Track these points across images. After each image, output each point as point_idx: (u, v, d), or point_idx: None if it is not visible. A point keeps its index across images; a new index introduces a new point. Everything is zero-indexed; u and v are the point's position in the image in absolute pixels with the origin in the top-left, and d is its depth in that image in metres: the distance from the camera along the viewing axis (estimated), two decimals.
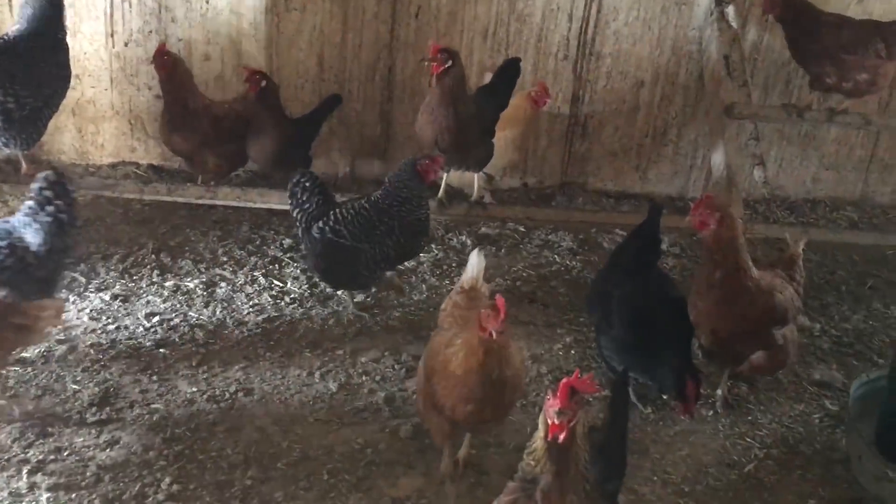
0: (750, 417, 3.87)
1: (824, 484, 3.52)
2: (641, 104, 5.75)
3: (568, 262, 5.08)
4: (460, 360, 3.01)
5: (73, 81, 5.12)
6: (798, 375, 4.23)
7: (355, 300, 4.43)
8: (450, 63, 4.50)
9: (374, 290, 4.50)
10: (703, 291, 3.70)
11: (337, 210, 4.18)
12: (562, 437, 2.35)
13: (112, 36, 5.28)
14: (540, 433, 2.44)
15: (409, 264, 4.79)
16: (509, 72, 4.91)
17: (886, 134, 5.91)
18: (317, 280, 4.46)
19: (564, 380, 2.41)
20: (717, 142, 5.21)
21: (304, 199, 4.23)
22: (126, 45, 5.30)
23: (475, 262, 3.41)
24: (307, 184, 4.24)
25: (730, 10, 5.31)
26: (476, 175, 5.06)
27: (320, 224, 4.15)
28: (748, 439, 3.74)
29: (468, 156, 4.85)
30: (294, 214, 4.27)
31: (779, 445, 3.73)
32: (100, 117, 5.43)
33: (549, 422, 2.38)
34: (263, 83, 4.92)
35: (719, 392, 3.92)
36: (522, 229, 5.33)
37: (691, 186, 5.98)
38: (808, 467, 3.61)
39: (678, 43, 5.57)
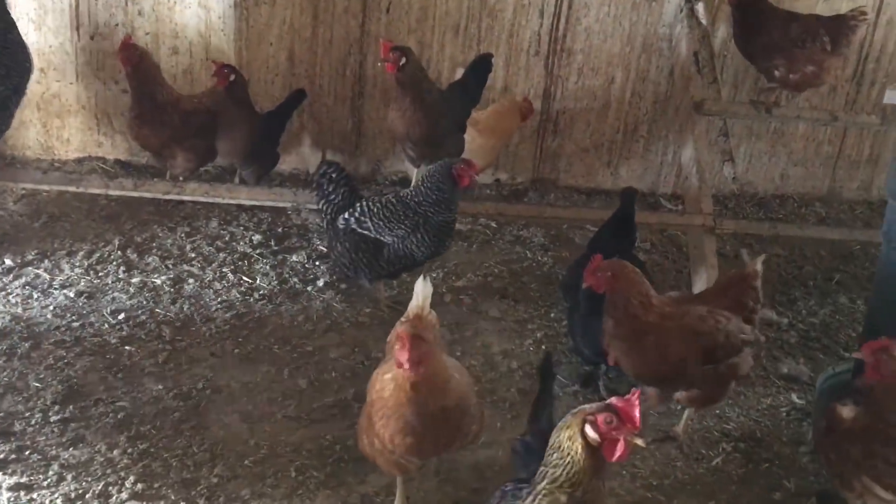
0: (718, 411, 3.89)
1: (791, 476, 3.55)
2: (612, 100, 5.77)
3: (539, 258, 5.09)
4: (392, 392, 2.80)
5: (37, 75, 5.06)
6: (766, 369, 4.26)
7: (386, 295, 4.44)
8: (403, 61, 4.47)
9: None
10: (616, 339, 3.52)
11: (364, 202, 4.18)
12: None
13: (77, 29, 5.19)
14: (577, 449, 2.24)
15: None
16: (481, 67, 4.93)
17: (853, 130, 5.98)
18: (342, 274, 4.42)
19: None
20: (687, 138, 5.25)
21: (331, 190, 4.22)
22: (92, 38, 5.22)
23: (420, 290, 3.15)
24: (333, 175, 4.23)
25: (699, 7, 5.34)
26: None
27: (346, 215, 4.16)
28: (716, 433, 3.76)
29: (440, 150, 4.84)
30: (320, 206, 4.27)
31: (746, 439, 3.76)
32: (65, 112, 5.35)
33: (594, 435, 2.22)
34: (232, 77, 4.87)
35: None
36: (494, 225, 5.33)
37: (662, 182, 6.02)
38: (775, 460, 3.64)
39: (649, 40, 5.60)
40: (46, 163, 5.32)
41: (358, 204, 4.18)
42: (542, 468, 2.31)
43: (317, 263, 4.72)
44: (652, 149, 5.92)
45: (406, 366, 2.68)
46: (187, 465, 3.27)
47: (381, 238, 4.12)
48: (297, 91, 5.29)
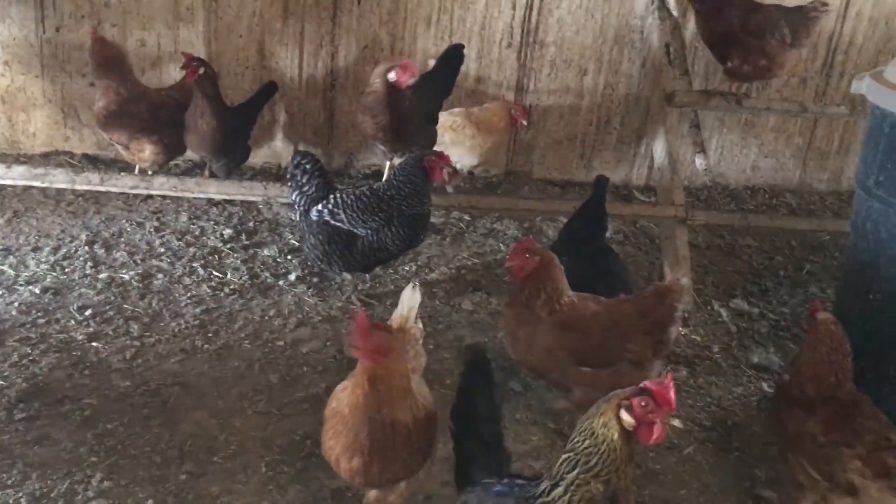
0: (689, 401, 3.90)
1: (761, 464, 3.56)
2: (585, 92, 5.78)
3: None
4: (346, 396, 2.65)
5: (1, 68, 4.98)
6: (737, 359, 4.29)
7: (359, 288, 4.40)
8: (202, 70, 4.57)
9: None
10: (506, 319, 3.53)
11: (337, 194, 4.14)
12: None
13: (43, 21, 5.11)
14: (614, 435, 2.20)
15: None
16: (452, 58, 4.92)
17: (823, 122, 6.04)
18: (316, 266, 4.36)
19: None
20: (659, 130, 5.27)
21: (304, 181, 4.17)
22: (57, 30, 5.14)
23: (406, 299, 3.00)
24: (307, 166, 4.18)
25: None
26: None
27: (319, 207, 4.11)
28: (687, 423, 3.77)
29: (411, 144, 4.82)
30: (293, 197, 4.21)
31: (717, 428, 3.77)
32: (31, 105, 5.27)
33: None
34: (202, 70, 4.81)
35: None
36: (468, 218, 5.32)
37: (635, 174, 6.04)
38: (746, 448, 3.66)
39: (620, 31, 5.61)
40: (12, 157, 5.23)
41: (331, 196, 4.15)
42: (567, 456, 2.25)
43: (288, 257, 4.68)
44: (625, 141, 5.94)
45: (362, 351, 2.51)
46: (156, 461, 3.22)
47: (355, 231, 4.09)
48: (268, 84, 5.25)
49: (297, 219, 4.29)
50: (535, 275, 3.41)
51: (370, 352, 2.52)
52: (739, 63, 4.72)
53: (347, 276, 4.36)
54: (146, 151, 4.90)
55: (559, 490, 2.24)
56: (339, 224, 4.10)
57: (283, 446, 3.38)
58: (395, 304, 3.16)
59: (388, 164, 5.03)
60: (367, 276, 4.46)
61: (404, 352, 2.75)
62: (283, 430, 3.46)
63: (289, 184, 4.26)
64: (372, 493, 2.86)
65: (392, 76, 4.51)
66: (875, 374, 3.38)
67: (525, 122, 5.34)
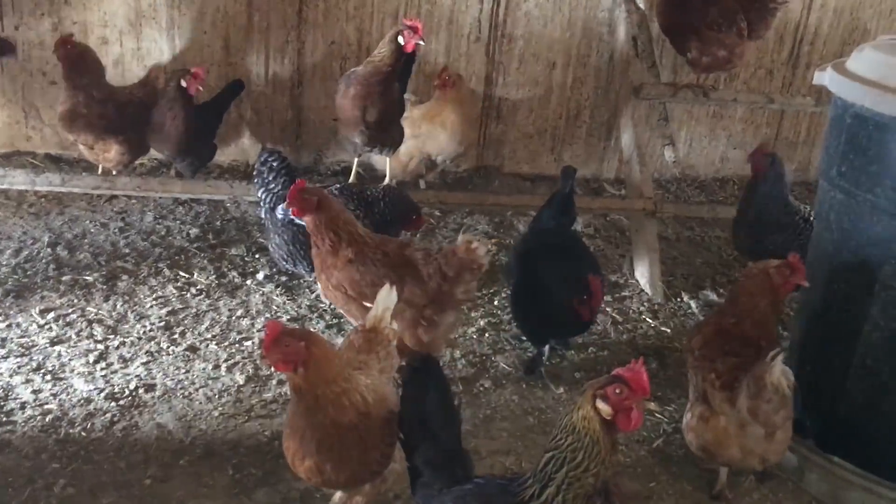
0: (659, 393, 3.91)
1: None
2: (554, 86, 5.77)
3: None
4: (295, 405, 2.62)
5: None
6: None
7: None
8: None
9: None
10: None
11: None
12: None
13: (1, 19, 5.01)
14: (595, 427, 2.22)
15: None
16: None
17: (790, 113, 6.08)
18: (280, 266, 4.30)
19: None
20: (628, 123, 5.27)
21: (271, 178, 4.11)
22: (17, 28, 5.04)
23: (382, 299, 2.95)
24: (274, 163, 4.12)
25: None
26: (387, 158, 4.98)
27: (284, 205, 4.04)
28: (657, 415, 3.78)
29: (386, 135, 4.76)
30: (259, 194, 4.15)
31: None
32: None
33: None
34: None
35: None
36: (437, 213, 5.29)
37: (605, 167, 6.05)
38: None
39: (588, 24, 5.60)
40: None
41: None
42: (552, 455, 2.25)
43: (256, 256, 4.63)
44: (594, 134, 5.94)
45: (271, 361, 2.48)
46: (119, 467, 3.17)
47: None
48: (234, 82, 5.19)
49: (263, 216, 4.24)
50: (319, 217, 3.44)
51: (279, 361, 2.48)
52: (698, 54, 4.74)
53: (310, 276, 4.31)
54: (112, 152, 4.81)
55: (551, 490, 2.24)
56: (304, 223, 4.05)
57: (251, 448, 3.34)
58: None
59: (356, 160, 4.97)
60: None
61: (332, 355, 2.64)
62: (251, 432, 3.42)
63: (255, 181, 4.21)
64: (337, 495, 2.83)
65: (401, 39, 4.28)
66: (839, 364, 3.40)
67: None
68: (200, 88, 4.74)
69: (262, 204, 4.19)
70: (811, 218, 4.24)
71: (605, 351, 4.21)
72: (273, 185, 4.14)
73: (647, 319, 4.54)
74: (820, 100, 5.26)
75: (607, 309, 4.54)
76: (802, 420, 3.36)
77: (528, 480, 2.30)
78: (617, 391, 2.22)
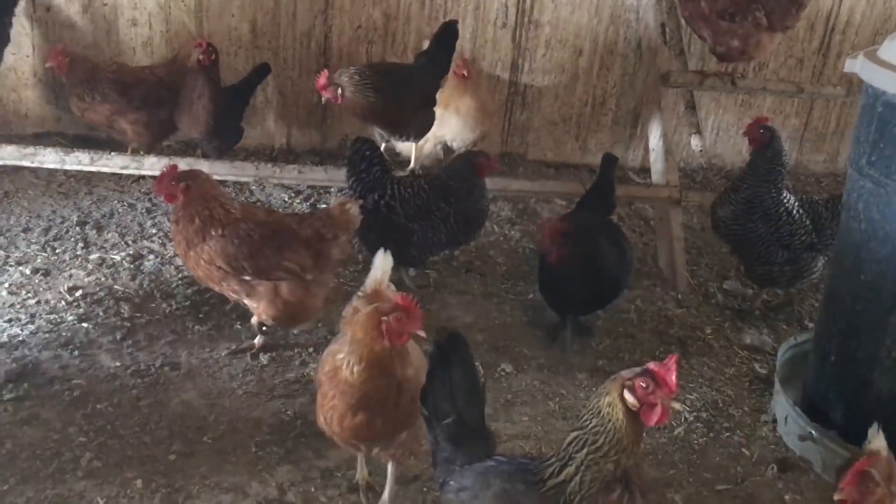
0: (681, 382, 3.87)
1: (751, 445, 3.56)
2: (580, 73, 5.74)
3: (506, 232, 5.07)
4: (352, 368, 2.66)
5: None
6: (729, 340, 4.28)
7: (410, 274, 4.39)
8: (340, 91, 4.32)
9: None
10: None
11: (395, 185, 4.10)
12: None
13: (33, 1, 5.06)
14: (618, 415, 2.22)
15: None
16: (446, 36, 4.79)
17: (819, 103, 6.00)
18: (363, 254, 4.33)
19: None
20: (654, 111, 5.23)
21: (363, 167, 4.11)
22: (48, 10, 5.09)
23: (379, 263, 3.07)
24: (367, 152, 4.12)
25: None
26: (414, 145, 4.99)
27: (375, 196, 4.07)
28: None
29: (407, 128, 4.76)
30: (349, 182, 4.17)
31: (708, 409, 3.77)
32: (21, 85, 5.23)
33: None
34: (213, 57, 4.77)
35: None
36: None
37: (630, 156, 6.01)
38: (736, 429, 3.66)
39: (616, 11, 5.56)
40: (4, 138, 5.19)
41: (389, 186, 4.09)
42: (576, 435, 2.27)
43: None
44: (620, 122, 5.91)
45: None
46: (145, 441, 3.22)
47: (411, 225, 4.07)
48: (261, 65, 5.21)
49: None
50: (190, 200, 3.49)
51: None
52: (712, 44, 4.67)
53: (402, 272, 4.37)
54: (127, 133, 4.85)
55: (570, 470, 2.25)
56: (395, 217, 4.07)
57: (273, 426, 3.37)
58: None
59: (384, 144, 4.98)
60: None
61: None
62: (273, 411, 3.46)
63: (346, 169, 4.19)
64: (374, 450, 2.88)
65: None
66: (865, 356, 3.37)
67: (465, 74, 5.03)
68: (211, 57, 4.74)
69: (350, 192, 4.17)
70: (794, 212, 4.18)
71: (629, 339, 4.20)
72: (364, 175, 4.12)
73: (671, 308, 4.52)
74: (850, 89, 5.19)
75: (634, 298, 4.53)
76: None
77: (551, 459, 2.31)
78: (644, 385, 2.22)
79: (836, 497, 2.52)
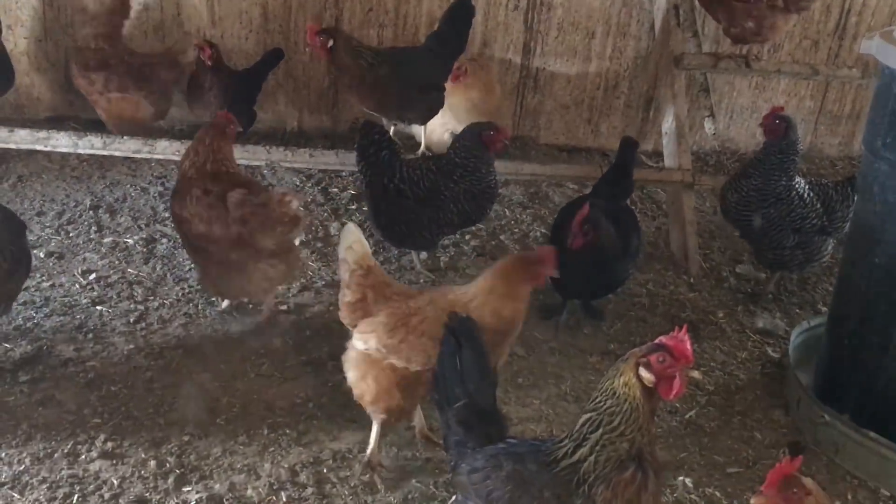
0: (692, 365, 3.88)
1: (763, 429, 3.56)
2: (593, 56, 5.70)
3: (518, 216, 5.05)
4: (505, 308, 2.92)
5: (5, 32, 4.94)
6: (742, 324, 4.27)
7: (422, 257, 4.39)
8: (331, 43, 4.42)
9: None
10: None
11: (404, 168, 4.09)
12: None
13: None
14: (636, 394, 2.24)
15: (356, 218, 4.74)
16: (459, 15, 4.71)
17: (835, 85, 5.94)
18: (377, 236, 4.33)
19: None
20: (668, 93, 5.19)
21: (372, 151, 4.09)
22: None
23: (345, 235, 3.12)
24: (376, 136, 4.10)
25: None
26: (422, 128, 4.98)
27: (385, 180, 4.06)
28: (690, 387, 3.74)
29: (409, 112, 4.75)
30: (358, 166, 4.16)
31: (720, 392, 3.76)
32: (34, 69, 5.24)
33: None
34: (216, 55, 4.80)
35: None
36: None
37: (643, 139, 5.96)
38: (748, 413, 3.65)
39: None
40: (17, 122, 5.22)
41: (398, 170, 4.07)
42: (590, 416, 2.28)
43: None
44: (633, 105, 5.87)
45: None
46: (158, 423, 3.25)
47: (421, 207, 4.05)
48: (273, 50, 5.20)
49: (363, 189, 4.26)
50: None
51: None
52: (727, 25, 4.62)
53: (414, 255, 4.38)
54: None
55: (584, 450, 2.27)
56: (405, 199, 4.05)
57: (285, 409, 3.39)
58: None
59: (392, 127, 4.97)
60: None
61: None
62: (285, 393, 3.48)
63: (356, 153, 4.18)
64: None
65: None
66: (879, 340, 3.35)
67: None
68: (213, 57, 4.82)
69: (362, 177, 4.18)
70: (806, 196, 4.15)
71: (640, 323, 4.19)
72: (373, 158, 4.10)
73: (684, 292, 4.50)
74: (866, 71, 5.13)
75: (645, 281, 4.52)
76: None
77: (564, 441, 2.32)
78: (660, 359, 2.24)
79: (752, 501, 2.35)
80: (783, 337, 4.15)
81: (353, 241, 3.09)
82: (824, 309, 4.38)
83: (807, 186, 4.19)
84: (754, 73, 5.22)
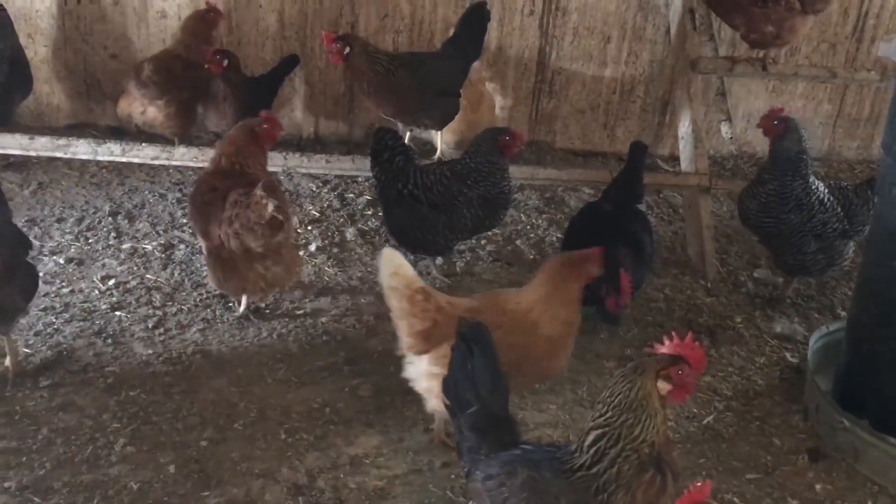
0: (710, 371, 3.87)
1: (782, 434, 3.53)
2: (608, 60, 5.69)
3: (534, 221, 5.05)
4: (561, 312, 3.02)
5: (24, 41, 5.01)
6: (759, 329, 4.24)
7: (438, 263, 4.40)
8: (347, 50, 4.44)
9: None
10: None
11: (418, 174, 4.09)
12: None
13: None
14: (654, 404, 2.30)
15: (372, 224, 4.76)
16: (474, 20, 4.72)
17: (853, 89, 5.89)
18: (392, 241, 4.33)
19: None
20: (684, 97, 5.17)
21: (386, 157, 4.09)
22: (79, 2, 5.15)
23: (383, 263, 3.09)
24: (390, 142, 4.11)
25: None
26: (438, 133, 4.99)
27: (399, 186, 4.07)
28: (708, 392, 3.74)
29: (425, 118, 4.77)
30: (373, 172, 4.16)
31: (738, 398, 3.74)
32: (54, 77, 5.30)
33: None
34: (225, 62, 4.79)
35: None
36: None
37: (659, 143, 5.95)
38: (767, 419, 3.63)
39: None
40: (37, 130, 5.27)
41: (412, 175, 4.08)
42: (600, 432, 2.29)
43: (308, 228, 4.69)
44: (649, 109, 5.85)
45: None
46: (177, 428, 3.27)
47: (435, 213, 4.05)
48: (289, 56, 5.22)
49: (377, 195, 4.28)
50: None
51: None
52: (745, 31, 4.59)
53: (429, 260, 4.39)
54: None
55: (603, 464, 2.28)
56: (419, 205, 4.05)
57: (303, 413, 3.41)
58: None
59: (408, 132, 4.99)
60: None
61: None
62: (303, 398, 3.49)
63: (370, 159, 4.17)
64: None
65: None
66: None
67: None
68: (222, 64, 4.73)
69: (377, 182, 4.18)
70: (826, 200, 4.11)
71: (657, 328, 4.17)
72: (388, 164, 4.10)
73: (701, 297, 4.48)
74: (884, 74, 5.08)
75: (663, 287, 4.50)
76: None
77: (575, 452, 2.31)
78: (680, 371, 2.31)
79: None
80: (801, 342, 4.12)
81: (397, 267, 3.07)
82: (843, 313, 4.35)
83: (826, 190, 4.16)
84: (771, 76, 5.19)
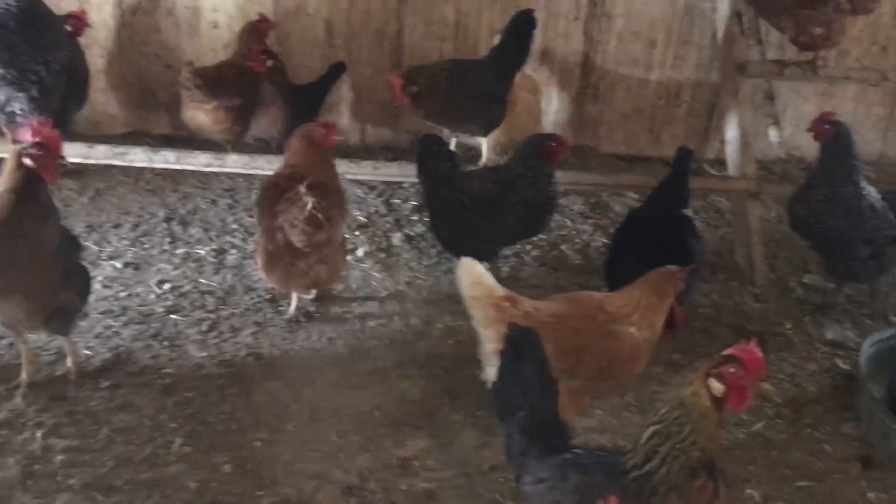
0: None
1: (833, 442, 3.49)
2: (654, 65, 5.67)
3: (579, 227, 5.06)
4: (657, 321, 3.14)
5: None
6: (810, 335, 4.19)
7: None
8: (415, 89, 4.57)
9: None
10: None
11: (464, 179, 4.13)
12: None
13: (120, 5, 5.27)
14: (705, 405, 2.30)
15: (418, 229, 4.81)
16: (520, 27, 4.75)
17: None
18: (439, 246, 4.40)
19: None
20: (731, 102, 5.14)
21: (432, 163, 4.14)
22: (134, 14, 5.30)
23: (463, 273, 3.16)
24: (435, 148, 4.15)
25: None
26: (483, 140, 5.03)
27: (445, 191, 4.12)
28: (758, 398, 3.70)
29: (470, 125, 4.81)
30: (419, 178, 4.21)
31: (789, 405, 3.70)
32: (110, 87, 5.45)
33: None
34: (270, 63, 4.89)
35: None
36: None
37: (706, 148, 5.90)
38: (818, 426, 3.59)
39: (690, 1, 5.47)
40: (93, 138, 5.43)
41: (458, 181, 4.11)
42: (657, 429, 2.31)
43: (356, 233, 4.76)
44: (695, 114, 5.81)
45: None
46: (231, 428, 3.36)
47: (480, 218, 4.07)
48: (336, 64, 5.31)
49: (423, 201, 4.34)
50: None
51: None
52: (794, 34, 4.53)
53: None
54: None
55: (654, 463, 2.29)
56: (464, 211, 4.09)
57: (353, 416, 3.47)
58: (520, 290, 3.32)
59: (453, 139, 5.04)
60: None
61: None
62: (352, 401, 3.55)
63: (416, 166, 4.21)
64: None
65: None
66: None
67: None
68: (265, 63, 4.87)
69: (422, 188, 4.23)
70: (878, 205, 4.05)
71: (705, 334, 4.15)
72: (433, 171, 4.13)
73: (749, 303, 4.44)
74: None
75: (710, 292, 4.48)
76: None
77: (631, 453, 2.33)
78: (732, 371, 2.28)
79: None
80: (853, 348, 4.07)
81: (478, 276, 3.12)
82: (895, 320, 4.28)
83: (879, 196, 4.10)
84: (821, 79, 5.13)
